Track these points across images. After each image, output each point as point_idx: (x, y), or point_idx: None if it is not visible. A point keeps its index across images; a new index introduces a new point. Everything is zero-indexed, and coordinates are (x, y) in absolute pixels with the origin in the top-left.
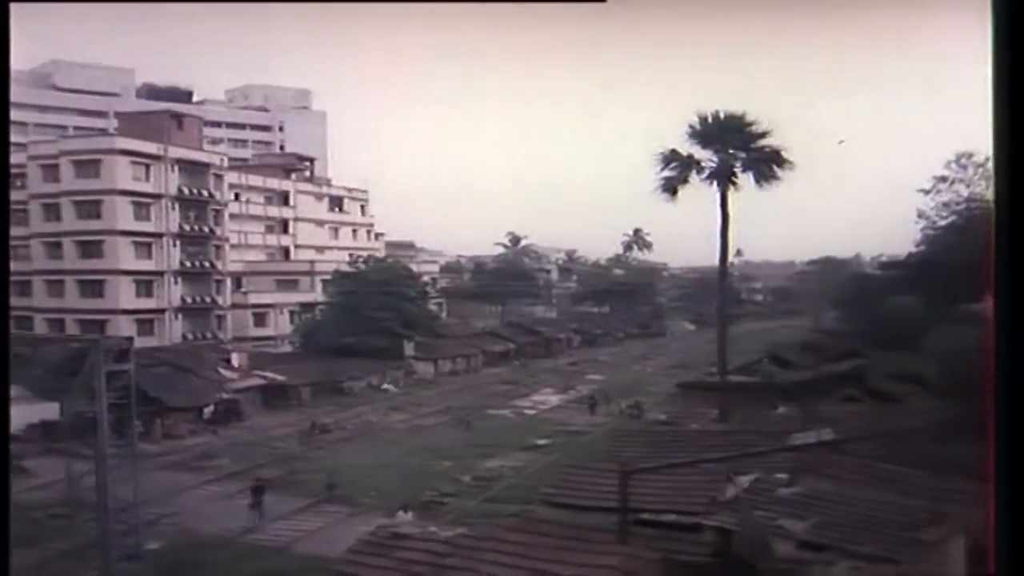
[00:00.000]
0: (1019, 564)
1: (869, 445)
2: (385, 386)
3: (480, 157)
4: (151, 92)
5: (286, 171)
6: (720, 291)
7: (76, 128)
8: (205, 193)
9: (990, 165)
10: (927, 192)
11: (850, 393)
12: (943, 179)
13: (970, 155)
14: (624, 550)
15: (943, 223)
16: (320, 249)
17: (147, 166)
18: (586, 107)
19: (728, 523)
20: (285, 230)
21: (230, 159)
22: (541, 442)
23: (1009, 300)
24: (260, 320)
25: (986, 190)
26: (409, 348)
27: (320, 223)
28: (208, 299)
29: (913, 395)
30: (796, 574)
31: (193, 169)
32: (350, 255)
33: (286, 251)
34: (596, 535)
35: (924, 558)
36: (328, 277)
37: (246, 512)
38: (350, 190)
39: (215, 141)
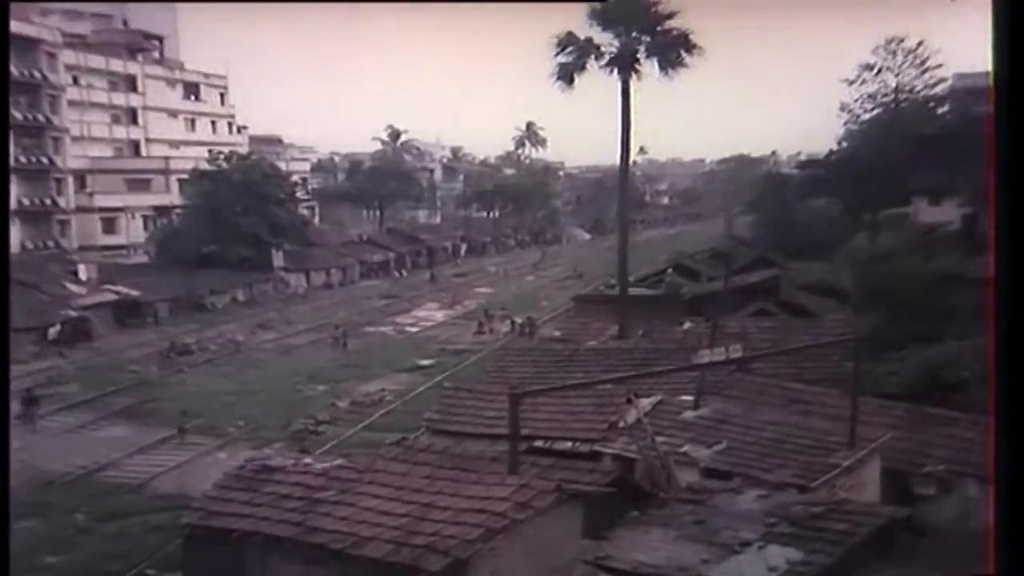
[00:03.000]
0: (1019, 564)
1: (780, 363)
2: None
3: (357, 42)
4: None
5: (131, 51)
6: (621, 193)
7: None
8: (37, 75)
9: (922, 51)
10: (851, 83)
11: (762, 307)
12: (869, 67)
13: (900, 40)
14: (515, 480)
15: (867, 117)
16: (175, 144)
17: None
18: None
19: (628, 450)
20: (134, 121)
21: (64, 34)
22: (424, 362)
23: (1009, 300)
24: (109, 226)
25: (917, 79)
26: (278, 258)
27: (174, 113)
28: (48, 201)
29: (829, 309)
30: (701, 504)
31: (21, 46)
32: (209, 151)
33: (136, 146)
34: (484, 465)
35: (836, 483)
36: (185, 176)
37: (98, 446)
38: (207, 76)
39: (44, 12)
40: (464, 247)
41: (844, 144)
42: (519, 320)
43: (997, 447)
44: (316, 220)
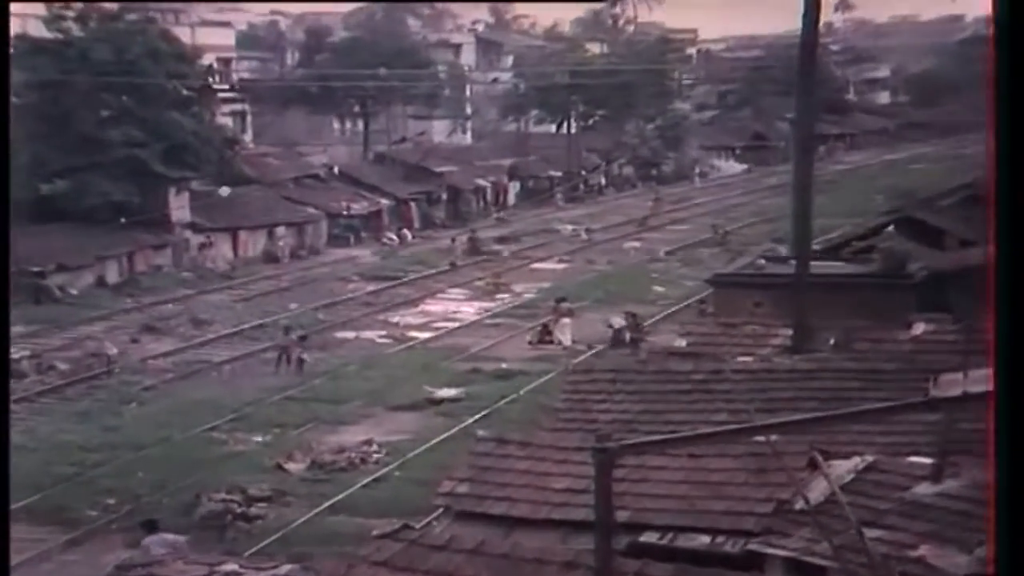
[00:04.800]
0: (1019, 564)
1: None
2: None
3: None
4: None
5: None
6: (801, 87)
7: None
8: None
9: None
10: None
11: None
12: None
13: None
14: None
15: None
16: None
17: None
18: None
19: (813, 552)
20: None
21: None
22: (443, 393)
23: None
24: None
25: None
26: (180, 206)
27: None
28: None
29: None
30: None
31: None
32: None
33: None
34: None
35: None
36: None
37: None
38: None
39: None
40: (515, 188)
41: None
42: (619, 320)
43: (997, 444)
44: (248, 136)
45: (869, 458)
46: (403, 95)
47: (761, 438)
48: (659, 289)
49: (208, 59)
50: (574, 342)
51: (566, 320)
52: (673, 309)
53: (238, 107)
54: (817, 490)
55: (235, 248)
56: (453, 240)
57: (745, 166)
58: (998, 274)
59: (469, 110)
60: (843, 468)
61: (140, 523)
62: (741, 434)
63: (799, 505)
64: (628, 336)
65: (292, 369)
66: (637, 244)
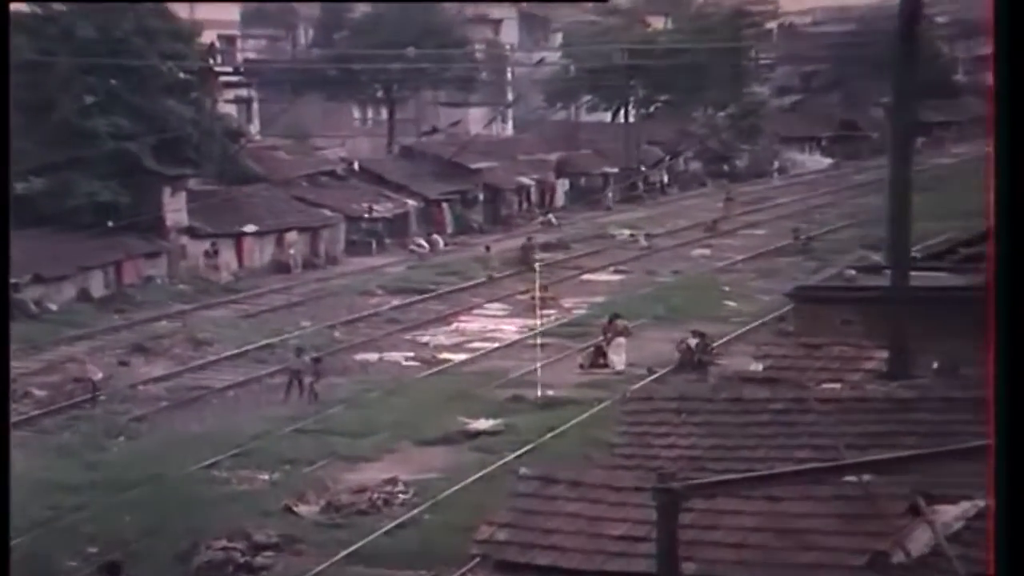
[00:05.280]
0: (1019, 564)
1: None
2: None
3: None
4: None
5: None
6: (898, 66)
7: None
8: None
9: None
10: None
11: None
12: None
13: None
14: None
15: None
16: None
17: None
18: None
19: None
20: None
21: None
22: (479, 425)
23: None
24: None
25: None
26: (176, 207)
27: None
28: None
29: None
30: None
31: None
32: None
33: None
34: None
35: None
36: None
37: None
38: None
39: None
40: (563, 187)
41: None
42: (690, 339)
43: (996, 444)
44: (255, 126)
45: (980, 503)
46: (434, 79)
47: (853, 478)
48: (731, 304)
49: (209, 37)
50: (630, 365)
51: (621, 340)
52: (747, 327)
53: (243, 93)
54: (919, 540)
55: (239, 256)
56: (488, 248)
57: (832, 160)
58: (998, 272)
59: (511, 96)
60: (950, 514)
61: (99, 567)
62: (829, 474)
63: (898, 558)
64: (696, 359)
65: (305, 397)
66: (706, 251)
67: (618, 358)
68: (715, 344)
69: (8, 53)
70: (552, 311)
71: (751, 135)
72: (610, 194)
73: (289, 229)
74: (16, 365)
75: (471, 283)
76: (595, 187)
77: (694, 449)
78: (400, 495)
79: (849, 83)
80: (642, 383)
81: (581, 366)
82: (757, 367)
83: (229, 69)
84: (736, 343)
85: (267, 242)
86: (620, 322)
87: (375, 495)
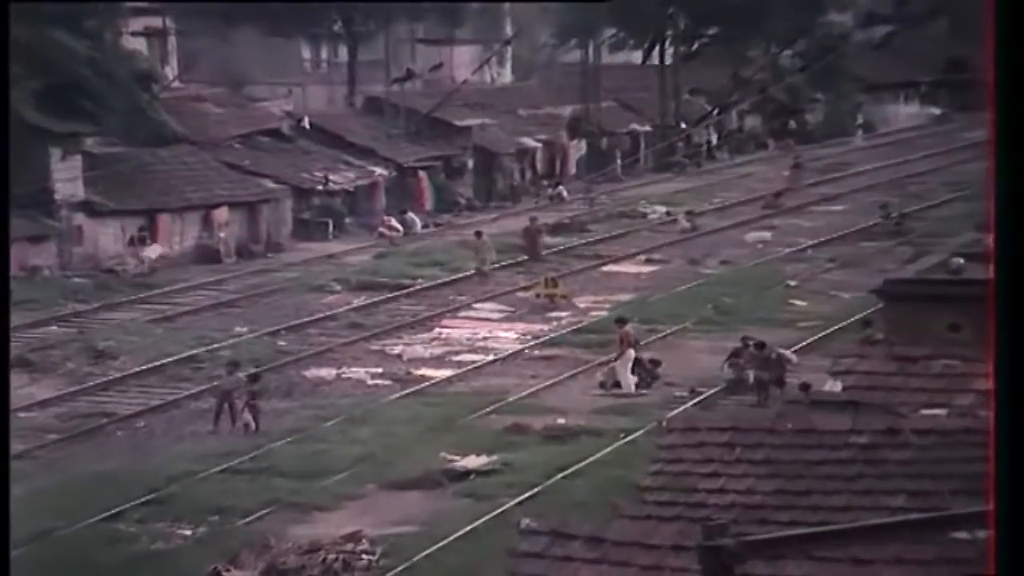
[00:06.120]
0: (1019, 564)
1: None
2: None
3: None
4: None
5: None
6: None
7: None
8: None
9: None
10: None
11: None
12: None
13: None
14: None
15: None
16: None
17: None
18: None
19: None
20: None
21: None
22: (469, 463)
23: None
24: None
25: None
26: (70, 175)
27: None
28: None
29: None
30: None
31: None
32: None
33: None
34: None
35: None
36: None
37: None
38: None
39: None
40: (579, 150)
41: None
42: (751, 346)
43: (996, 442)
44: (173, 69)
45: None
46: (409, 7)
47: (963, 534)
48: (799, 303)
49: None
50: (668, 384)
51: (630, 353)
52: (822, 334)
53: (156, 23)
54: None
55: (153, 240)
56: (478, 234)
57: (936, 111)
58: (997, 270)
59: (509, 30)
60: None
61: None
62: (931, 528)
63: None
64: (752, 376)
65: (239, 426)
66: (766, 235)
67: (623, 377)
68: (776, 354)
69: (8, 53)
70: (563, 313)
71: (827, 81)
72: (641, 160)
73: (219, 205)
74: None
75: (457, 276)
76: (620, 150)
77: (752, 495)
78: (364, 556)
79: (958, 9)
80: (682, 408)
81: (601, 385)
82: (835, 387)
83: None
84: (806, 354)
85: (190, 222)
86: (627, 328)
87: (331, 556)
